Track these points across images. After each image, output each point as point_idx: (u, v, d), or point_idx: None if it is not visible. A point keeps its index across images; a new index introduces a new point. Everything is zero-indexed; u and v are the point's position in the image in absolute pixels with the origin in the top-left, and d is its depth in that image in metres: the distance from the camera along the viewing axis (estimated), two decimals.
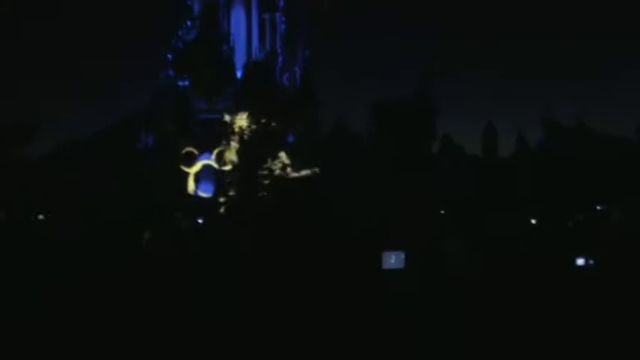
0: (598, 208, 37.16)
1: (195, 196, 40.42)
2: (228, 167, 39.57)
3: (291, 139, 40.25)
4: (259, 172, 36.85)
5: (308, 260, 20.75)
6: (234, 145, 38.93)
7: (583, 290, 19.16)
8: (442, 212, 36.72)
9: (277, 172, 36.37)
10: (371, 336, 13.92)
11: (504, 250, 27.60)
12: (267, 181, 36.24)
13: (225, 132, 39.97)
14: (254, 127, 38.53)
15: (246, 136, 38.63)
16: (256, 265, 21.54)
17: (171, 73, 43.33)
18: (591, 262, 24.76)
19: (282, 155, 36.94)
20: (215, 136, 40.38)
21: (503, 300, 17.49)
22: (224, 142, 39.74)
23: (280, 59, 44.94)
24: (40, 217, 36.28)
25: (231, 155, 39.21)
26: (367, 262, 20.27)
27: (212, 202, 38.76)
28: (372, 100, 37.41)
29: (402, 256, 20.28)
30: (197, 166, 40.75)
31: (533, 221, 35.26)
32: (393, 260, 20.11)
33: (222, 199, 37.46)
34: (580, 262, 23.67)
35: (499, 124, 40.07)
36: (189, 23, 44.83)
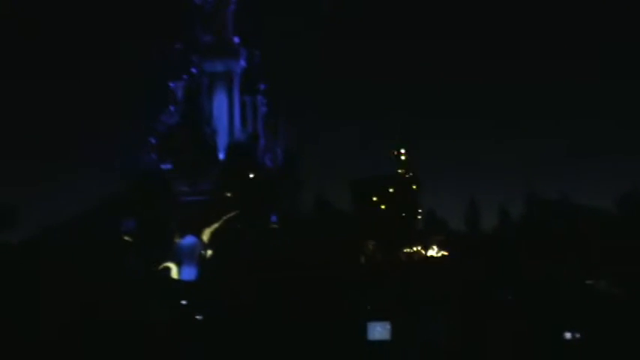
0: (587, 282, 36.96)
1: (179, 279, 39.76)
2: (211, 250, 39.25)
3: (274, 218, 40.15)
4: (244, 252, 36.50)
5: (292, 333, 20.34)
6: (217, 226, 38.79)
7: None
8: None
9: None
10: None
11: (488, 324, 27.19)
12: (252, 261, 35.84)
13: (209, 214, 39.91)
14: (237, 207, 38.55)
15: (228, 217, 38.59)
16: (241, 343, 21.07)
17: (154, 156, 43.54)
18: (577, 335, 24.56)
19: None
20: (198, 218, 40.20)
21: None
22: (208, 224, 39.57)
23: (262, 141, 45.44)
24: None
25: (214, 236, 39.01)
26: (353, 333, 19.87)
27: (195, 285, 38.11)
28: (353, 175, 37.60)
29: (388, 326, 19.94)
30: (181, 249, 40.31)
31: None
32: (379, 331, 19.74)
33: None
34: (568, 335, 23.57)
35: (482, 197, 40.07)
36: (172, 108, 45.41)
